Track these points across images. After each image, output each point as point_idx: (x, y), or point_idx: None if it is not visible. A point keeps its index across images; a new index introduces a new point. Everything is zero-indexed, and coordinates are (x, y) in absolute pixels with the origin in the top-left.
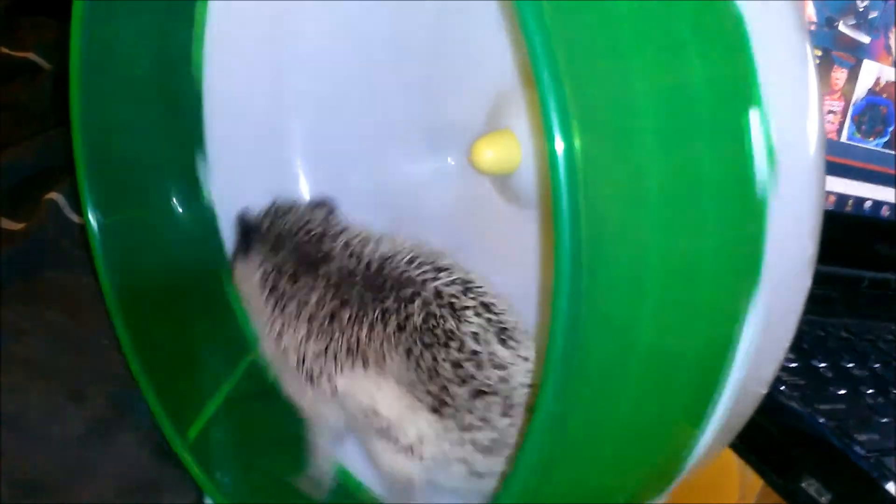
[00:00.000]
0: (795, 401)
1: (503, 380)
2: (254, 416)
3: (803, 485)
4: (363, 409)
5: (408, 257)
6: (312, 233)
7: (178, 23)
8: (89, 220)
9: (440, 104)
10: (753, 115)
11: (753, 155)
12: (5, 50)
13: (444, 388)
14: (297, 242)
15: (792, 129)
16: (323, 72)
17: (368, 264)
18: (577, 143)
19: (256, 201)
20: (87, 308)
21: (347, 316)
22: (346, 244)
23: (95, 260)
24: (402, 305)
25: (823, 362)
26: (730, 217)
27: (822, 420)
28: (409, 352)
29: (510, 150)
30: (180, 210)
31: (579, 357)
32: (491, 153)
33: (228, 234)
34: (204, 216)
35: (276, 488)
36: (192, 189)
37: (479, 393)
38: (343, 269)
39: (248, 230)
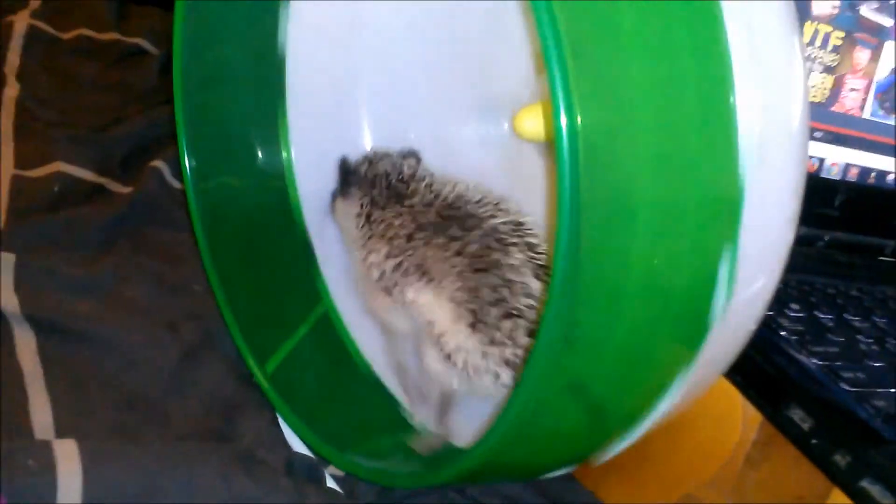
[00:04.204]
0: (791, 344)
1: (531, 307)
2: (325, 358)
3: (789, 413)
4: (424, 319)
5: (477, 198)
6: (403, 175)
7: (267, 13)
8: (188, 185)
9: (494, 76)
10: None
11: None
12: (119, 36)
13: (482, 307)
14: (390, 181)
15: (774, 104)
16: (388, 43)
17: (445, 198)
18: (579, 118)
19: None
20: (183, 260)
21: (421, 237)
22: (429, 185)
23: (192, 218)
24: (465, 235)
25: (828, 314)
26: (713, 169)
27: (813, 360)
28: (461, 274)
29: (548, 120)
30: (265, 175)
31: (579, 284)
32: (530, 122)
33: (305, 195)
34: (284, 181)
35: (341, 415)
36: (275, 157)
37: (508, 315)
38: (424, 199)
39: (348, 172)
